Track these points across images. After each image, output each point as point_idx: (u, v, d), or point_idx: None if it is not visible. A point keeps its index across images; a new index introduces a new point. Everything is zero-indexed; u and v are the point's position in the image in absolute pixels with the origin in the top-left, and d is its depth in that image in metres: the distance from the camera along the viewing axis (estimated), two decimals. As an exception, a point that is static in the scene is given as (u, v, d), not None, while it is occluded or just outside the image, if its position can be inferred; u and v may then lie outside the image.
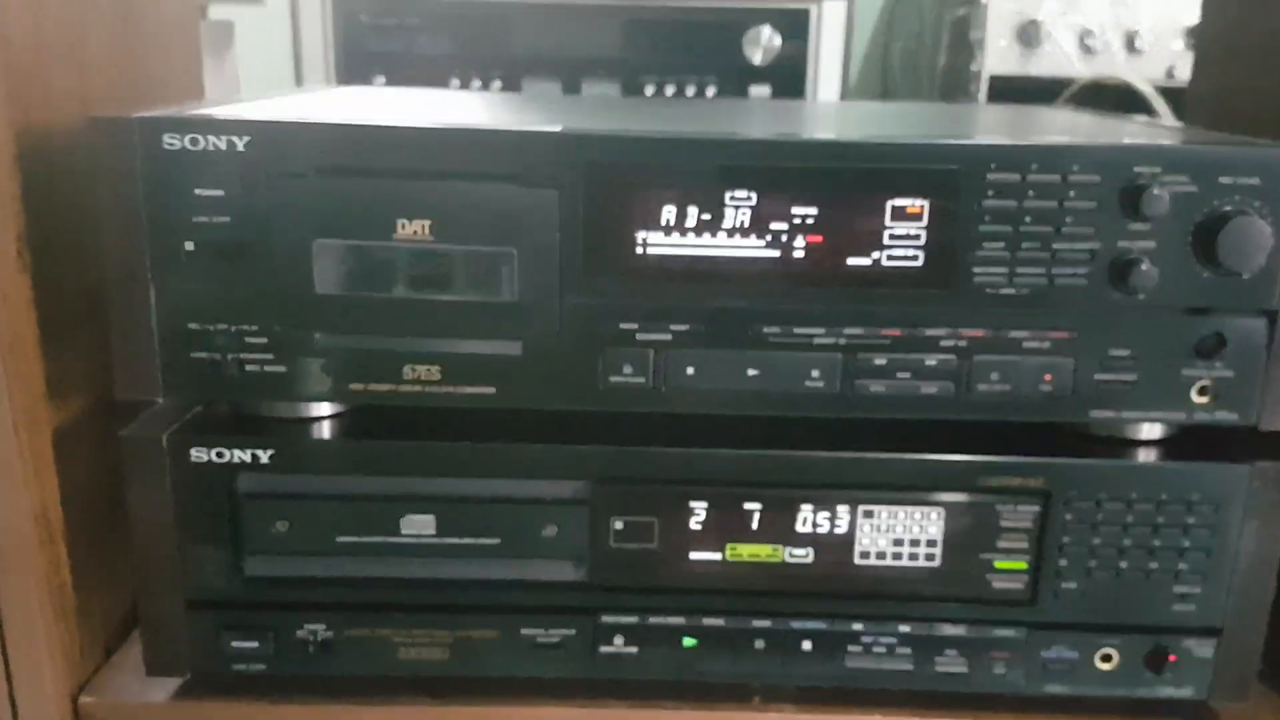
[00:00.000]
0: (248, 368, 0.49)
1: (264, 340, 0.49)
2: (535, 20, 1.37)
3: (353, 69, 1.36)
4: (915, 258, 0.49)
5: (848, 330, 0.49)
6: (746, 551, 0.53)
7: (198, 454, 0.50)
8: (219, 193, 0.47)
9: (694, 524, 0.52)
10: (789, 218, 0.48)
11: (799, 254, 0.49)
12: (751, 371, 0.50)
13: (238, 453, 0.51)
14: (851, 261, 0.49)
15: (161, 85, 0.67)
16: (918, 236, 0.48)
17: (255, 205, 0.47)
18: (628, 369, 0.50)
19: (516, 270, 0.48)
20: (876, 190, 0.48)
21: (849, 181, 0.48)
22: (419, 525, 0.52)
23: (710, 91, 1.38)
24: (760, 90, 1.39)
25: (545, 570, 0.53)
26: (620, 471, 0.52)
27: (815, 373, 0.50)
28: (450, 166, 0.47)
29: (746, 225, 0.48)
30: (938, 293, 0.49)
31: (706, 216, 0.48)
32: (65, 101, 0.54)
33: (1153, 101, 0.92)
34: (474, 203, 0.48)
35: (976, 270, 0.48)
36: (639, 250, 0.49)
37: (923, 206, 0.48)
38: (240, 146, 0.47)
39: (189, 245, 0.48)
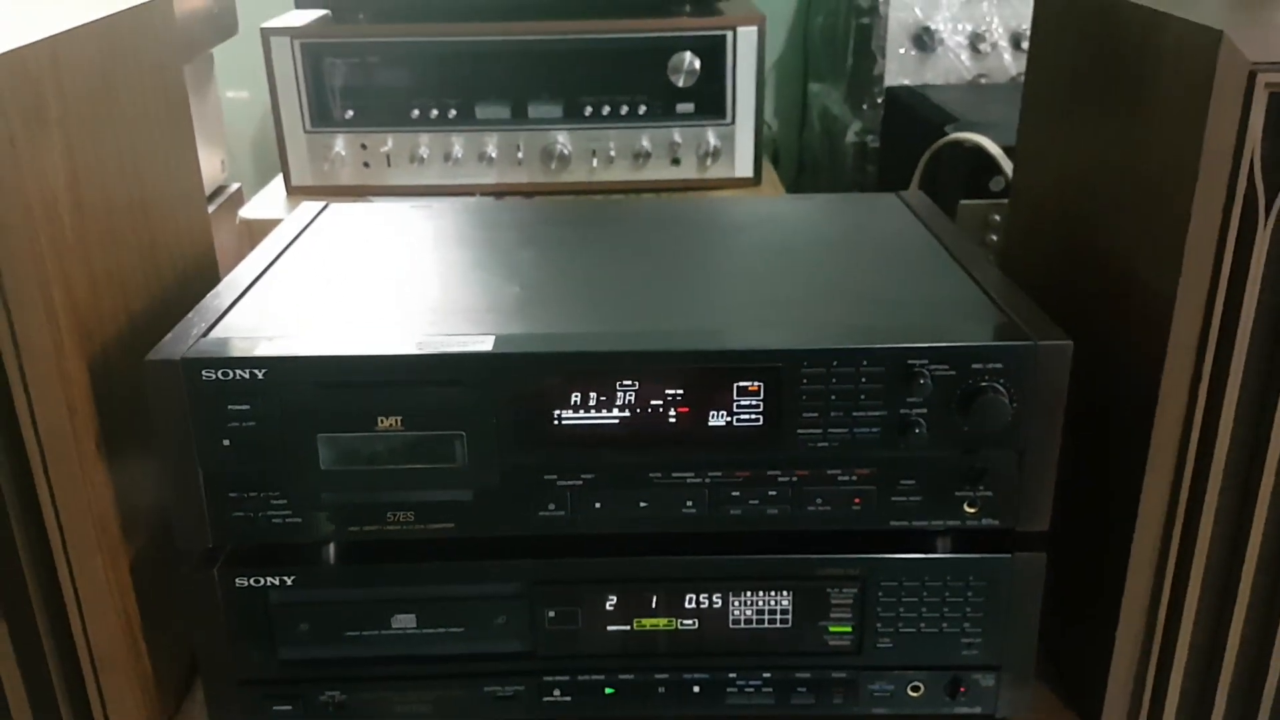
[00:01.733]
0: (274, 520, 0.68)
1: (284, 502, 0.67)
2: (485, 53, 1.51)
3: (322, 103, 1.51)
4: (757, 420, 0.66)
5: (710, 473, 0.68)
6: (648, 623, 0.72)
7: (240, 580, 0.69)
8: (246, 406, 0.65)
9: (608, 606, 0.71)
10: (663, 396, 0.66)
11: (672, 421, 0.66)
12: (642, 504, 0.68)
13: (269, 579, 0.69)
14: (711, 424, 0.67)
15: (178, 241, 0.83)
16: (757, 406, 0.66)
17: (273, 412, 0.65)
18: (551, 506, 0.68)
19: (466, 445, 0.66)
20: (727, 378, 0.65)
21: (707, 373, 0.65)
22: (404, 620, 0.71)
23: (641, 110, 1.53)
24: (685, 107, 1.54)
25: (499, 646, 0.72)
26: (549, 575, 0.70)
27: (690, 502, 0.68)
28: (413, 378, 0.65)
29: (633, 402, 0.66)
30: (773, 445, 0.67)
31: (603, 398, 0.66)
32: (114, 321, 0.71)
33: (1000, 162, 1.08)
34: (432, 401, 0.65)
35: (800, 430, 0.66)
36: (555, 424, 0.66)
37: (759, 386, 0.66)
38: (260, 375, 0.64)
39: (226, 442, 0.65)
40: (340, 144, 1.58)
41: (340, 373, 0.65)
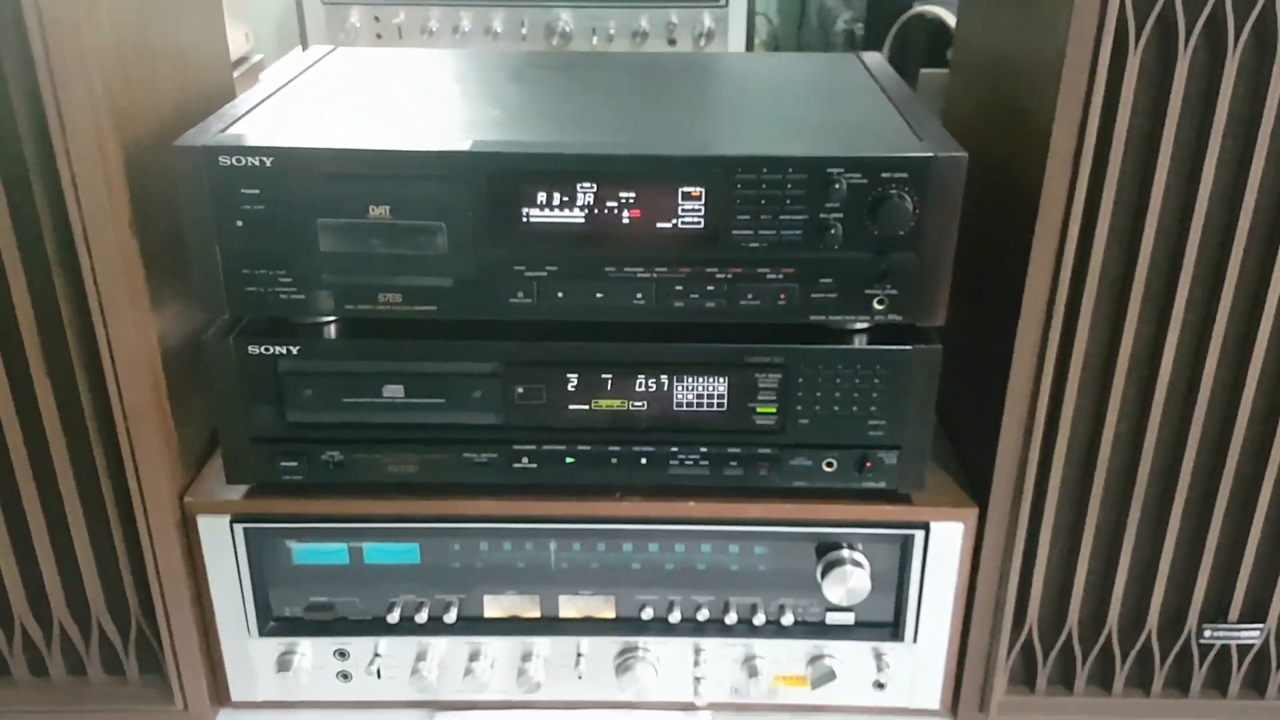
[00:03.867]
0: (280, 296, 0.79)
1: (290, 279, 0.78)
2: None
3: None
4: (698, 224, 0.77)
5: (658, 269, 0.78)
6: (604, 404, 0.83)
7: (253, 349, 0.81)
8: (256, 190, 0.75)
9: (569, 388, 0.82)
10: (619, 199, 0.77)
11: (625, 222, 0.77)
12: (599, 295, 0.79)
13: (278, 348, 0.81)
14: (659, 226, 0.77)
15: (205, 84, 0.94)
16: (699, 210, 0.77)
17: (280, 197, 0.76)
18: (520, 294, 0.79)
19: (447, 235, 0.77)
20: (673, 182, 0.76)
21: (659, 179, 0.76)
22: (393, 390, 0.82)
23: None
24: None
25: (475, 418, 0.83)
26: (519, 356, 0.81)
27: (639, 295, 0.79)
28: (402, 171, 0.76)
29: (592, 203, 0.77)
30: (711, 245, 0.77)
31: (567, 199, 0.77)
32: (147, 109, 0.81)
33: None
34: (417, 194, 0.76)
35: (734, 231, 0.77)
36: (524, 220, 0.77)
37: (701, 191, 0.76)
38: (268, 163, 0.75)
39: (239, 223, 0.76)
40: (355, 15, 1.67)
41: (337, 164, 0.75)
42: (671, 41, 1.69)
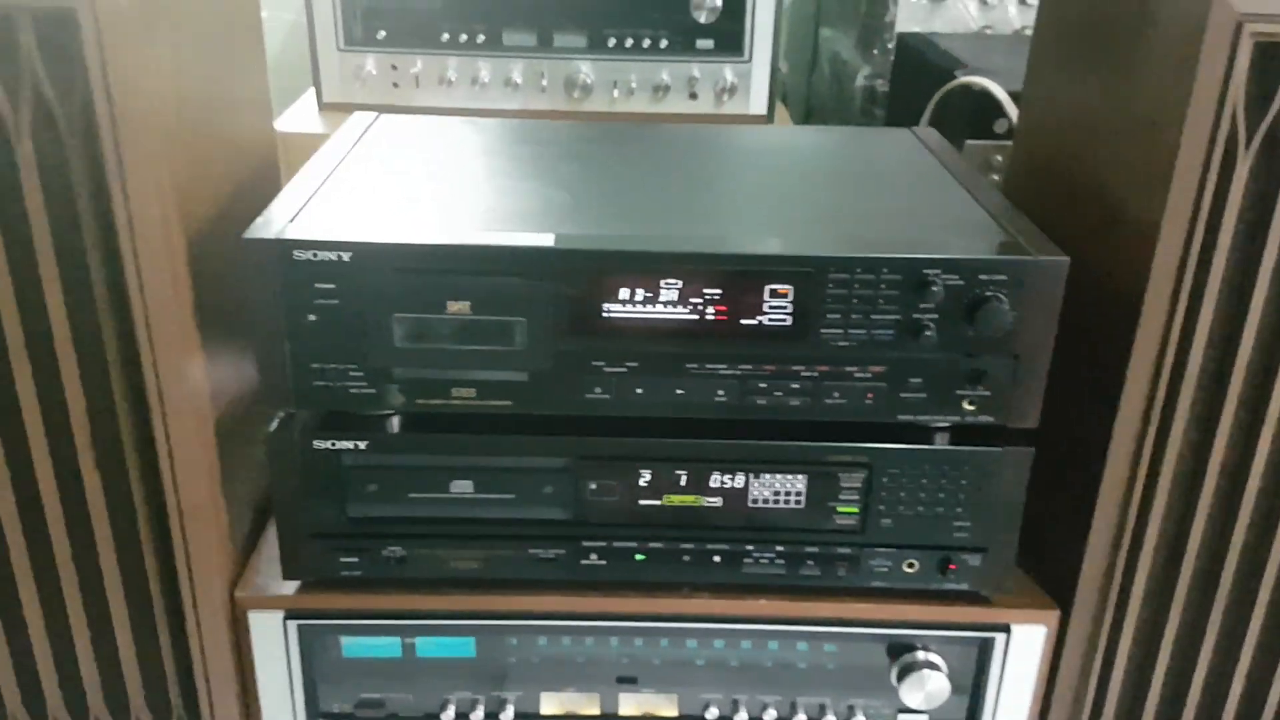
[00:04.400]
0: (350, 390, 0.76)
1: (360, 374, 0.75)
2: (514, -20, 1.58)
3: (355, 22, 1.57)
4: (786, 321, 0.75)
5: (741, 366, 0.76)
6: (677, 500, 0.80)
7: (318, 443, 0.77)
8: (331, 285, 0.73)
9: (642, 483, 0.80)
10: (703, 295, 0.74)
11: (710, 317, 0.75)
12: (679, 391, 0.77)
13: (344, 443, 0.77)
14: (744, 322, 0.75)
15: (250, 139, 0.91)
16: (787, 307, 0.74)
17: (356, 291, 0.73)
18: (597, 389, 0.76)
19: (525, 330, 0.74)
20: (761, 280, 0.74)
21: (747, 277, 0.73)
22: (462, 486, 0.79)
23: (663, 44, 1.61)
24: (705, 43, 1.62)
25: (545, 513, 0.80)
26: (593, 452, 0.79)
27: (721, 392, 0.77)
28: (484, 268, 0.73)
29: (675, 300, 0.74)
30: (798, 342, 0.75)
31: (649, 294, 0.74)
32: (206, 192, 0.78)
33: (1005, 106, 1.16)
34: (497, 289, 0.73)
35: (823, 330, 0.74)
36: (605, 315, 0.74)
37: (789, 289, 0.74)
38: (346, 258, 0.72)
39: (312, 317, 0.73)
40: (371, 63, 1.64)
41: (417, 259, 0.73)
42: (693, 96, 1.67)
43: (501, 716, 0.87)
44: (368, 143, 0.95)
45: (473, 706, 0.87)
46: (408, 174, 0.87)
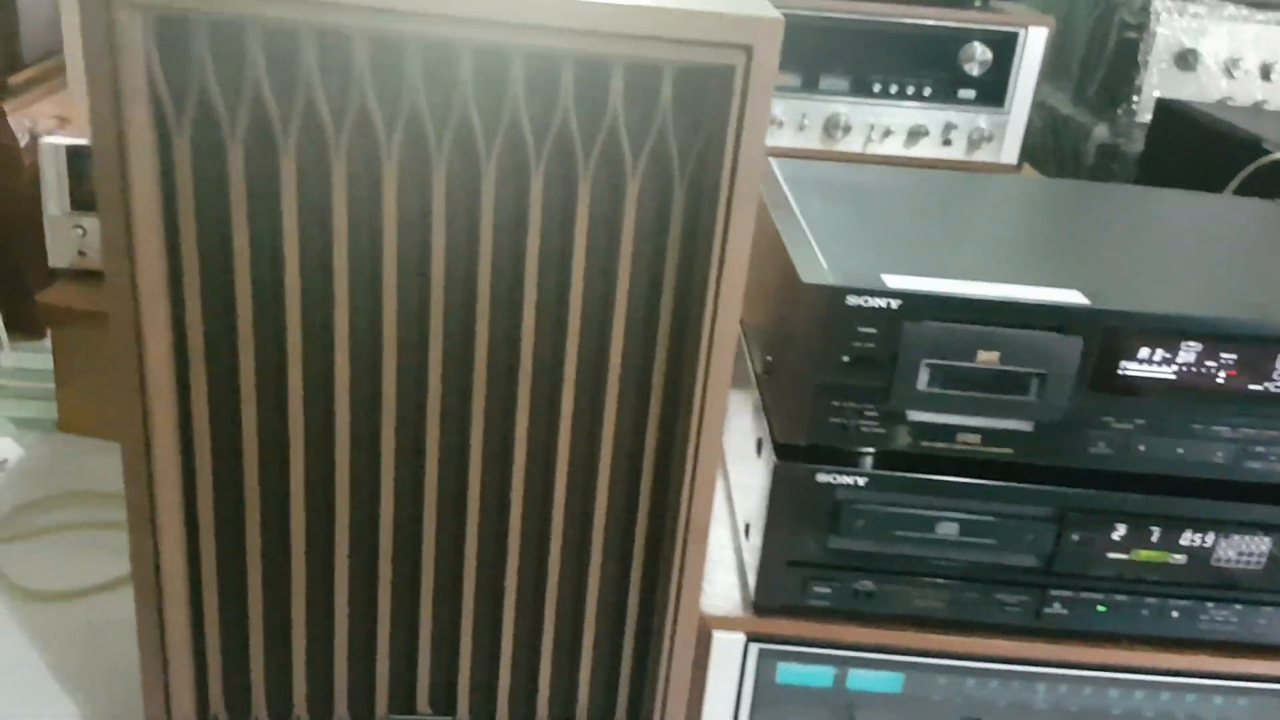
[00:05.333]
0: (863, 429, 0.79)
1: (875, 414, 0.78)
2: (786, 25, 1.62)
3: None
4: (1293, 389, 0.78)
5: (1243, 429, 0.79)
6: (1144, 555, 0.83)
7: (822, 476, 0.80)
8: (873, 329, 0.76)
9: (1115, 537, 0.82)
10: (1218, 358, 0.77)
11: (1220, 380, 0.77)
12: (1179, 450, 0.79)
13: (847, 478, 0.80)
14: (1251, 385, 0.78)
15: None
16: (1297, 376, 0.77)
17: (894, 337, 0.76)
18: (1101, 444, 0.79)
19: (1045, 382, 0.77)
20: (1274, 348, 0.76)
21: (1258, 342, 0.76)
22: (947, 529, 0.82)
23: (926, 91, 1.65)
24: (967, 93, 1.66)
25: (1018, 560, 0.83)
26: (1081, 504, 0.81)
27: (1219, 454, 0.79)
28: (1020, 321, 0.76)
29: (1192, 362, 0.77)
30: (1306, 411, 0.78)
31: (1169, 355, 0.77)
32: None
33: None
34: (1028, 342, 0.76)
35: (1333, 401, 0.77)
36: (1121, 373, 0.77)
37: (1304, 359, 0.77)
38: (893, 305, 0.75)
39: (845, 358, 0.76)
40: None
41: (961, 311, 0.75)
42: (947, 142, 1.71)
43: (927, 752, 0.89)
44: (800, 191, 0.98)
45: (896, 741, 0.89)
46: (889, 226, 0.91)
